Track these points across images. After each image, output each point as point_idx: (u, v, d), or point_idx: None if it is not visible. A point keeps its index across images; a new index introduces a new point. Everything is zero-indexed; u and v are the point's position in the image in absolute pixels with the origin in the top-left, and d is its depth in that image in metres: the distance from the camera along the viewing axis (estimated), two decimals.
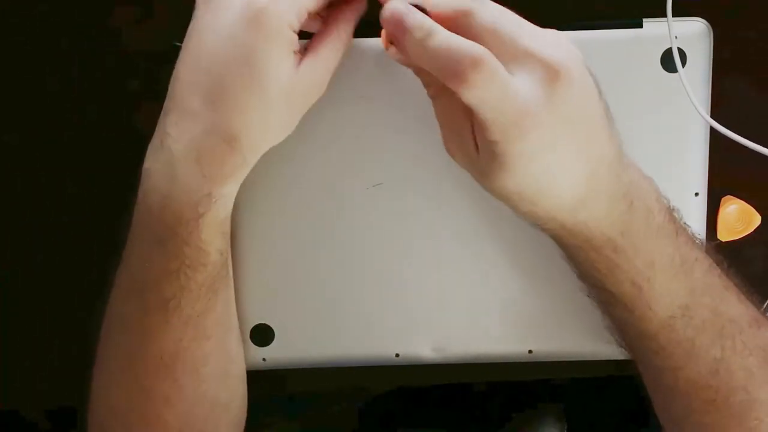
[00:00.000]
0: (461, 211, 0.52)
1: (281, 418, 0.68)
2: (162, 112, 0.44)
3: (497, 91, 0.39)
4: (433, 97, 0.45)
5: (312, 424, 0.70)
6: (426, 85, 0.45)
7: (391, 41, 0.43)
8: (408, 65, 0.44)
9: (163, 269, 0.45)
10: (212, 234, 0.45)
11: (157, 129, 0.45)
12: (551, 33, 0.42)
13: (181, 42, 0.51)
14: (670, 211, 0.47)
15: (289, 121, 0.45)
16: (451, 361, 0.54)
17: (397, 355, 0.54)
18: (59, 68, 0.53)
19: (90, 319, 0.56)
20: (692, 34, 0.50)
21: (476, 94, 0.39)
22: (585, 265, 0.47)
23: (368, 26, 0.46)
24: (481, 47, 0.39)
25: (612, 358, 0.54)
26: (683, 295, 0.46)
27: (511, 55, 0.40)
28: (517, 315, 0.53)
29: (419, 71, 0.45)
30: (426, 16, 0.41)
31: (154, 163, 0.44)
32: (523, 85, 0.40)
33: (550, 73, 0.40)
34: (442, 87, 0.42)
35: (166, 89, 0.53)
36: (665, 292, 0.46)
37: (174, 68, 0.44)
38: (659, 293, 0.46)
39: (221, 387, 0.50)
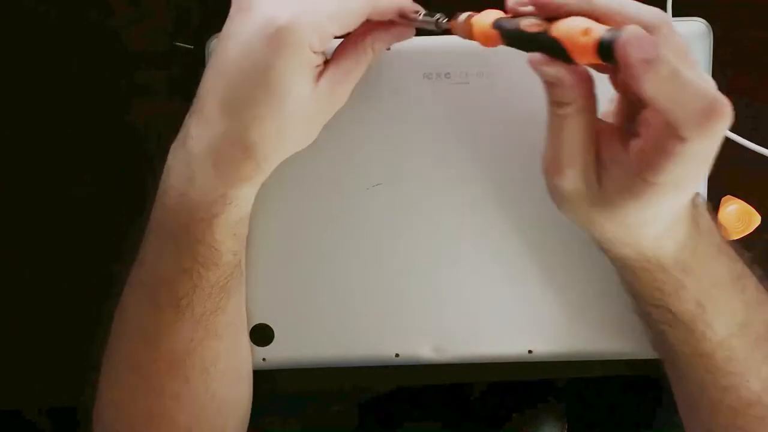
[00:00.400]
0: (461, 212, 0.52)
1: (281, 418, 0.68)
2: (189, 112, 0.45)
3: (715, 147, 0.38)
4: (569, 115, 0.41)
5: (312, 424, 0.70)
6: (561, 101, 0.40)
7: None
8: (549, 78, 0.40)
9: (176, 267, 0.45)
10: (225, 235, 0.45)
11: (182, 128, 0.45)
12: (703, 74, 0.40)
13: (182, 42, 0.51)
14: (718, 226, 0.46)
15: (308, 133, 0.45)
16: (451, 361, 0.54)
17: (397, 355, 0.54)
18: (59, 68, 0.53)
19: (90, 319, 0.56)
20: (692, 34, 0.50)
21: (704, 145, 0.37)
22: (649, 286, 0.46)
23: None
24: (724, 97, 0.37)
25: (612, 358, 0.54)
26: (740, 312, 0.46)
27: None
28: (517, 315, 0.53)
29: (559, 87, 0.40)
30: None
31: (174, 161, 0.45)
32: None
33: (710, 115, 0.37)
34: (580, 107, 0.40)
35: (165, 89, 0.53)
36: (726, 311, 0.46)
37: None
38: (720, 312, 0.46)
39: (230, 386, 0.50)
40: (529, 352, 0.54)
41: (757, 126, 0.51)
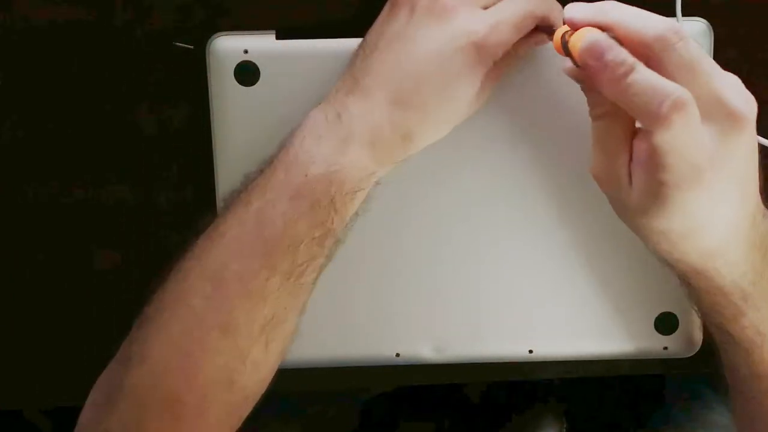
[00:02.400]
0: (461, 212, 0.52)
1: (281, 418, 0.68)
2: (338, 88, 0.46)
3: (690, 138, 0.39)
4: (596, 117, 0.44)
5: (312, 424, 0.70)
6: (593, 105, 0.44)
7: (573, 60, 0.42)
8: (579, 82, 0.44)
9: (308, 233, 0.46)
10: (355, 209, 0.47)
11: (330, 101, 0.46)
12: (732, 77, 0.42)
13: (181, 42, 0.51)
14: None
15: (452, 126, 0.47)
16: (451, 361, 0.54)
17: (397, 355, 0.54)
18: (58, 68, 0.53)
19: (90, 319, 0.56)
20: (692, 34, 0.50)
21: (670, 137, 0.39)
22: (709, 308, 0.47)
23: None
24: (685, 90, 0.39)
25: (612, 358, 0.54)
26: None
27: (701, 98, 0.40)
28: (517, 315, 0.53)
29: (589, 91, 0.44)
30: (627, 52, 0.40)
31: (325, 130, 0.46)
32: (709, 135, 0.40)
33: (733, 124, 0.40)
34: (609, 111, 0.42)
35: (165, 89, 0.53)
36: None
37: (362, 54, 0.46)
38: None
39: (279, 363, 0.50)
40: (529, 352, 0.54)
41: (757, 126, 0.51)
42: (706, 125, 0.40)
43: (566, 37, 0.43)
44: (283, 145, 0.46)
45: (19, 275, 0.56)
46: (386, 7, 0.47)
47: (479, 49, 0.44)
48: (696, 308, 0.49)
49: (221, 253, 0.46)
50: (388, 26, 0.46)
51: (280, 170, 0.46)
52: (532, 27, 0.46)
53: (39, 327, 0.56)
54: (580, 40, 0.41)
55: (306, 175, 0.45)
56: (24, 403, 0.61)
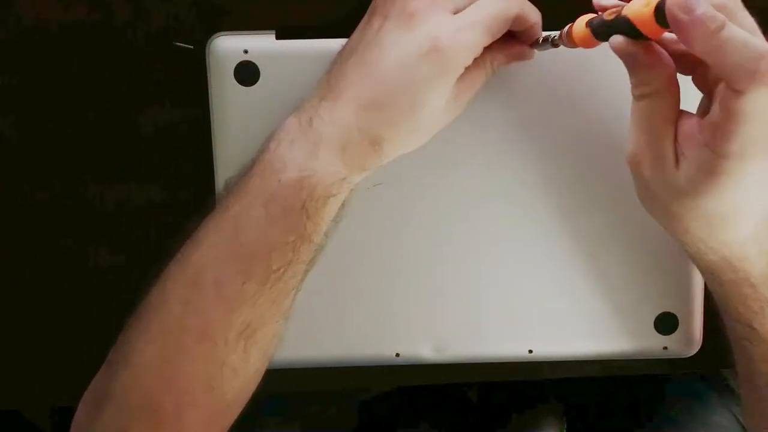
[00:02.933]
0: (461, 211, 0.52)
1: (281, 418, 0.68)
2: (313, 94, 0.47)
3: None
4: (641, 97, 0.43)
5: (312, 424, 0.70)
6: (639, 84, 0.43)
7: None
8: (628, 57, 0.42)
9: (281, 239, 0.46)
10: (331, 214, 0.47)
11: (304, 106, 0.46)
12: None
13: (182, 42, 0.51)
14: None
15: (424, 138, 0.47)
16: (451, 361, 0.54)
17: (397, 355, 0.54)
18: (58, 68, 0.53)
19: (90, 319, 0.56)
20: None
21: (761, 97, 0.38)
22: (735, 300, 0.46)
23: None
24: None
25: (612, 358, 0.54)
26: None
27: None
28: (517, 315, 0.53)
29: (638, 68, 0.42)
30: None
31: (298, 135, 0.46)
32: None
33: (762, 61, 0.38)
34: (658, 89, 0.42)
35: (165, 89, 0.53)
36: None
37: (339, 60, 0.47)
38: None
39: (263, 371, 0.50)
40: (529, 352, 0.54)
41: None
42: None
43: (605, 16, 0.42)
44: (260, 150, 0.47)
45: (19, 275, 0.56)
46: (366, 15, 0.47)
47: (442, 54, 0.43)
48: (720, 303, 0.48)
49: (199, 259, 0.47)
50: (363, 33, 0.46)
51: (256, 176, 0.46)
52: (504, 29, 0.45)
53: (39, 327, 0.56)
54: (647, 5, 0.40)
55: (279, 181, 0.45)
56: (24, 403, 0.61)
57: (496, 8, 0.44)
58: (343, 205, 0.48)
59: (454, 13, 0.45)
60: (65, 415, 0.49)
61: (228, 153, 0.51)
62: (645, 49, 0.41)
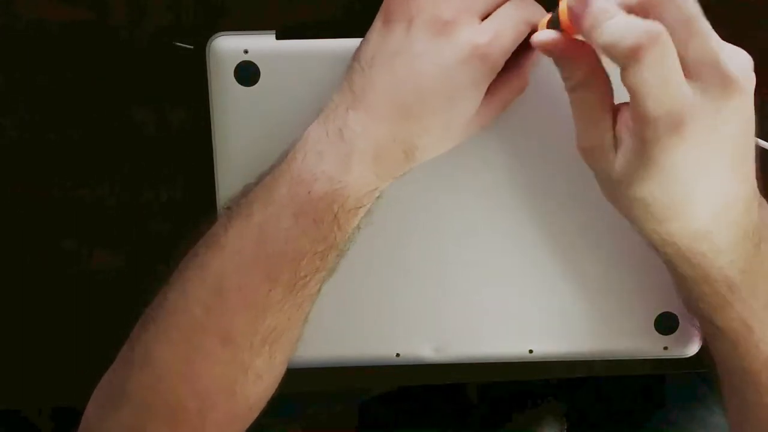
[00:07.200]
0: (462, 211, 0.52)
1: (281, 418, 0.68)
2: (337, 102, 0.46)
3: (663, 76, 0.38)
4: (572, 89, 0.43)
5: (312, 424, 0.70)
6: (567, 76, 0.43)
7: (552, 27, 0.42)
8: (552, 53, 0.43)
9: (312, 248, 0.46)
10: (359, 223, 0.48)
11: (330, 116, 0.46)
12: (734, 47, 0.40)
13: (181, 42, 0.51)
14: None
15: (457, 142, 0.47)
16: (451, 361, 0.54)
17: (397, 355, 0.54)
18: (58, 68, 0.53)
19: (91, 319, 0.56)
20: None
21: (643, 74, 0.37)
22: (694, 297, 0.46)
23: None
24: (658, 24, 0.38)
25: (612, 358, 0.54)
26: None
27: (694, 55, 0.39)
28: (517, 315, 0.53)
29: (562, 60, 0.43)
30: (615, 4, 0.39)
31: (326, 147, 0.45)
32: (694, 90, 0.39)
33: (726, 87, 0.38)
34: (583, 79, 0.42)
35: (165, 89, 0.53)
36: None
37: (359, 68, 0.46)
38: None
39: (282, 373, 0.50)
40: (530, 352, 0.54)
41: (757, 125, 0.51)
42: (692, 82, 0.39)
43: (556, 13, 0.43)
44: (284, 159, 0.46)
45: (18, 275, 0.56)
46: (378, 22, 0.46)
47: (483, 59, 0.44)
48: (684, 300, 0.48)
49: (222, 265, 0.46)
50: (384, 41, 0.45)
51: (282, 185, 0.46)
52: (527, 34, 0.45)
53: (39, 327, 0.56)
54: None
55: (309, 193, 0.45)
56: (24, 403, 0.61)
57: (522, 15, 0.45)
58: (369, 211, 0.48)
59: (482, 20, 0.44)
60: (65, 415, 0.49)
61: (228, 153, 0.51)
62: (564, 43, 0.42)
